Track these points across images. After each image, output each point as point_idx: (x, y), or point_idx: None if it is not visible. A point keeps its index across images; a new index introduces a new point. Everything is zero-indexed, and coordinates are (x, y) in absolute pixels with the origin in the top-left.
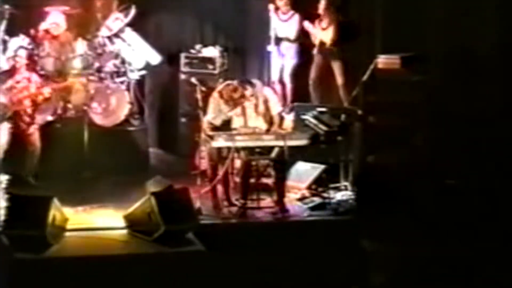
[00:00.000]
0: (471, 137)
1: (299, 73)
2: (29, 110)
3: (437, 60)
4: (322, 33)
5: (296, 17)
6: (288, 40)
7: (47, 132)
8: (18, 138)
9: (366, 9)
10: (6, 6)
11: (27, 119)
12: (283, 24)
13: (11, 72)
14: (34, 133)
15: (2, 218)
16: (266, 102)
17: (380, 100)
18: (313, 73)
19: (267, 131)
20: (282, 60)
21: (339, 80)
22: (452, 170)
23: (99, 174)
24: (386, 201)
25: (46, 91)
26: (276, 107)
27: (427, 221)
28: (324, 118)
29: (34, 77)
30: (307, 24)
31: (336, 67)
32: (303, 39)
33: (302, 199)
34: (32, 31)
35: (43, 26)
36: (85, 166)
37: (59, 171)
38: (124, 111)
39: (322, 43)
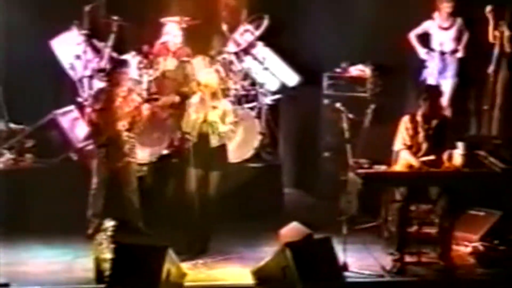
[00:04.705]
0: None
1: (462, 95)
2: (125, 135)
3: None
4: None
5: (459, 22)
6: (451, 52)
7: (161, 168)
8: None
9: None
10: (114, 18)
11: (125, 146)
12: (443, 33)
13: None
14: (127, 167)
15: (108, 272)
16: (443, 126)
17: None
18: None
19: (430, 166)
20: (438, 78)
21: None
22: None
23: (223, 219)
24: None
25: (145, 108)
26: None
27: None
28: (502, 152)
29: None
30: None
31: None
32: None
33: (474, 253)
34: (144, 47)
35: (158, 40)
36: None
37: (176, 216)
38: (254, 143)
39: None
